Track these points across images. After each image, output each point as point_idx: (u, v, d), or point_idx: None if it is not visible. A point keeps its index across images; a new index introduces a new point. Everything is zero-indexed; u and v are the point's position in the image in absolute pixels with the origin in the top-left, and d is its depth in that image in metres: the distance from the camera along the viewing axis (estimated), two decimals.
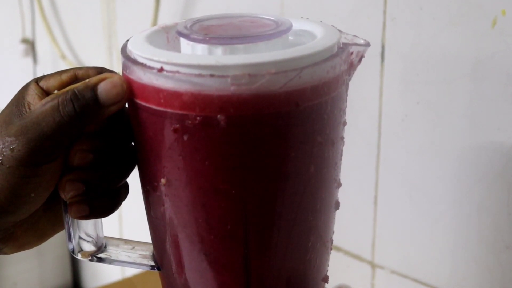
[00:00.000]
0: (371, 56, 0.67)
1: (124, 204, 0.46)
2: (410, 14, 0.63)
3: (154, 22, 0.97)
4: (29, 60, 1.42)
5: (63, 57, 1.24)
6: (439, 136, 0.63)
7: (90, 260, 0.47)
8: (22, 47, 1.41)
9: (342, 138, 0.43)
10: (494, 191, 0.60)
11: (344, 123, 0.43)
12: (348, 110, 0.44)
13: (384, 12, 0.65)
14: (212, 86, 0.37)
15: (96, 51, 1.19)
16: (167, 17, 0.97)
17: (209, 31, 0.41)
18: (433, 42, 0.62)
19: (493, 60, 0.58)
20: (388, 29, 0.65)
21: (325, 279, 0.46)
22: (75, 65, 1.22)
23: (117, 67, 0.42)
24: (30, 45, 1.41)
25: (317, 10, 0.71)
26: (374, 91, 0.68)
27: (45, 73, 0.44)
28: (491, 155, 0.60)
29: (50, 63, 1.35)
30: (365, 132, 0.70)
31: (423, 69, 0.63)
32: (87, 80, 0.41)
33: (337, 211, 0.45)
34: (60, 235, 0.46)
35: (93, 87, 0.41)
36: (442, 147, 0.63)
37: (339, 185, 0.45)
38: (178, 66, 0.37)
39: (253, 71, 0.37)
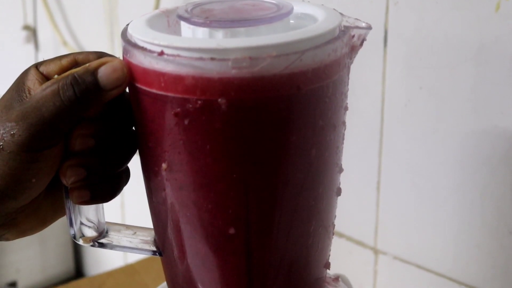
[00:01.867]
0: (374, 41, 0.66)
1: (126, 189, 0.46)
2: None
3: (156, 8, 0.96)
4: (30, 47, 1.42)
5: (65, 43, 1.24)
6: (442, 121, 0.63)
7: (91, 246, 0.47)
8: (23, 34, 1.41)
9: (344, 122, 0.43)
10: (497, 176, 0.60)
11: (346, 108, 0.43)
12: (351, 96, 0.44)
13: None
14: (213, 70, 0.36)
15: (98, 38, 1.18)
16: (169, 4, 0.96)
17: (209, 15, 0.41)
18: (436, 27, 0.61)
19: (496, 44, 0.57)
20: (391, 14, 0.65)
21: (327, 265, 0.46)
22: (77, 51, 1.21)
23: (119, 54, 0.42)
24: (31, 32, 1.41)
25: None
26: (377, 76, 0.68)
27: None
28: (494, 140, 0.60)
29: (51, 50, 1.35)
30: (367, 117, 0.70)
31: (426, 53, 0.63)
32: (87, 65, 0.41)
33: (340, 197, 0.45)
34: (63, 223, 0.46)
35: (94, 71, 0.40)
36: (445, 132, 0.63)
37: (341, 170, 0.44)
38: (179, 49, 0.37)
39: (254, 54, 0.36)
